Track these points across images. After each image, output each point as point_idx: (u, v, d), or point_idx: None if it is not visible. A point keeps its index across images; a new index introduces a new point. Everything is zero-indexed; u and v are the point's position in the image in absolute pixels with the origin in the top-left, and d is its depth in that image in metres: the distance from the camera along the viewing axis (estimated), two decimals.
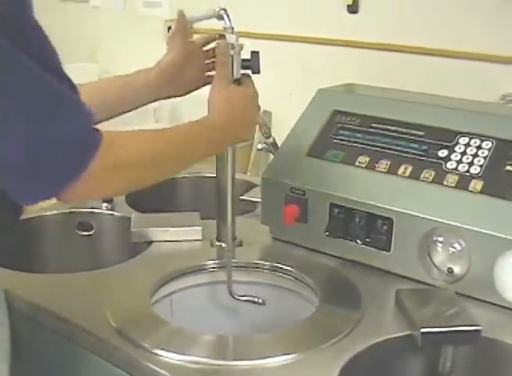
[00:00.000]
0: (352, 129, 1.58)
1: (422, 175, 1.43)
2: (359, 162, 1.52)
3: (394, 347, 1.24)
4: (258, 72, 1.42)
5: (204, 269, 1.52)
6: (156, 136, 1.19)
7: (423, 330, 1.18)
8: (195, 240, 1.64)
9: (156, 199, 2.00)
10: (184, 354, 1.17)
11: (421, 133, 1.50)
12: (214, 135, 1.28)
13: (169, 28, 1.51)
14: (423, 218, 1.37)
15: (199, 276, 1.51)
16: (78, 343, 1.29)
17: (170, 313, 1.45)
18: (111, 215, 1.82)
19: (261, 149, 1.79)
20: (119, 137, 1.10)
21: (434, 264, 1.39)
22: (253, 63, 1.41)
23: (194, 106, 2.97)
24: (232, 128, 1.31)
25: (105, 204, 1.83)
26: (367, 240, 1.47)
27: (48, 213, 1.81)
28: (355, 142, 1.56)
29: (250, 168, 2.67)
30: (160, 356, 1.18)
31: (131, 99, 1.48)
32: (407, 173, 1.46)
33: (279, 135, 1.75)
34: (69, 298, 1.37)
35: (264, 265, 1.52)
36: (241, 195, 1.85)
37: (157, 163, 1.17)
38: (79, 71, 2.88)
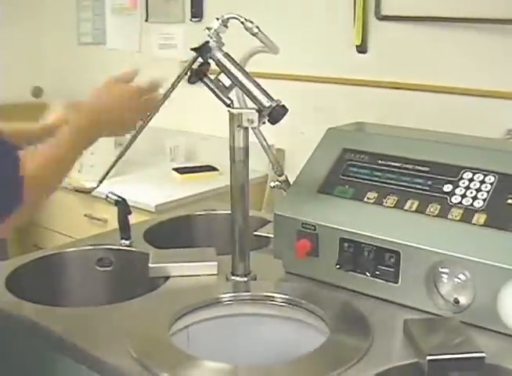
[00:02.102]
0: (361, 166, 1.65)
1: (428, 210, 1.50)
2: (368, 198, 1.59)
3: (402, 374, 1.29)
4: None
5: (220, 303, 1.57)
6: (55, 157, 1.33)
7: (429, 357, 1.23)
8: (211, 275, 1.70)
9: (173, 235, 2.07)
10: None
11: (426, 169, 1.56)
12: (82, 137, 1.40)
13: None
14: (429, 250, 1.43)
15: (215, 309, 1.57)
16: (100, 373, 1.35)
17: (187, 345, 1.51)
18: (129, 250, 1.88)
19: (274, 186, 1.86)
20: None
21: (441, 294, 1.45)
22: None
23: (210, 145, 3.07)
24: (101, 124, 1.45)
25: (123, 241, 1.90)
26: (376, 272, 1.53)
27: (69, 250, 1.89)
28: (364, 179, 1.63)
29: (265, 205, 2.74)
30: None
31: None
32: (413, 208, 1.52)
33: (292, 172, 1.82)
34: (90, 330, 1.44)
35: (277, 298, 1.57)
36: (255, 231, 1.92)
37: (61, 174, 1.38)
38: None
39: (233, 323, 1.58)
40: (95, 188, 1.81)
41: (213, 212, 2.17)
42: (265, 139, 1.79)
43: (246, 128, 1.58)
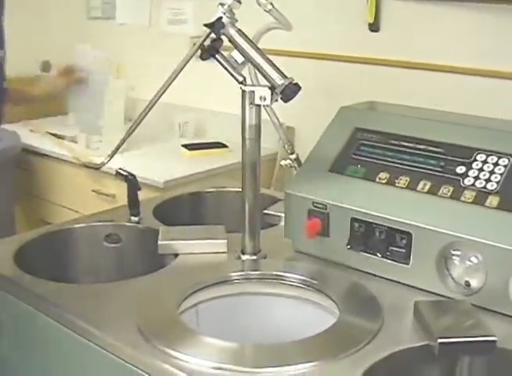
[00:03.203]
0: (373, 146, 1.64)
1: (440, 191, 1.48)
2: (380, 178, 1.57)
3: (412, 357, 1.28)
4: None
5: (229, 281, 1.57)
6: None
7: (440, 340, 1.22)
8: (220, 253, 1.70)
9: (182, 212, 2.06)
10: (208, 360, 1.23)
11: (440, 150, 1.55)
12: None
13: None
14: (441, 232, 1.42)
15: (224, 288, 1.56)
16: (108, 350, 1.34)
17: (196, 323, 1.51)
18: (138, 227, 1.88)
19: (285, 165, 1.85)
20: None
21: (452, 277, 1.44)
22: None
23: (220, 121, 3.05)
24: None
25: (132, 217, 1.89)
26: (387, 253, 1.52)
27: (77, 225, 1.88)
28: (376, 159, 1.61)
29: (274, 183, 2.72)
30: (185, 361, 1.23)
31: None
32: (426, 189, 1.50)
33: (301, 150, 1.80)
34: (98, 307, 1.43)
35: (287, 277, 1.56)
36: (265, 209, 1.91)
37: None
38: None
39: (242, 301, 1.57)
40: (104, 163, 1.80)
41: (223, 189, 2.16)
42: (276, 117, 1.78)
43: (258, 106, 1.56)
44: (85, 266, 1.89)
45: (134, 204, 1.90)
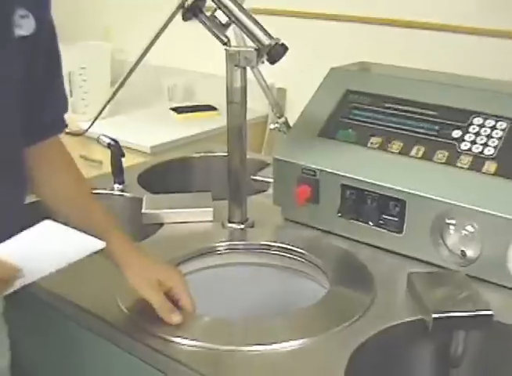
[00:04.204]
0: (365, 109, 1.56)
1: (435, 156, 1.41)
2: (371, 143, 1.50)
3: (405, 332, 1.23)
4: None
5: (215, 252, 1.51)
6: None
7: (434, 315, 1.16)
8: (206, 222, 1.63)
9: (168, 179, 1.99)
10: (194, 340, 1.17)
11: (434, 113, 1.47)
12: None
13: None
14: (436, 200, 1.35)
15: (210, 259, 1.50)
16: (87, 327, 1.29)
17: None
18: (122, 195, 1.81)
19: (274, 128, 1.78)
20: None
21: (447, 246, 1.38)
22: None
23: (209, 84, 2.96)
24: None
25: (116, 185, 1.83)
26: (379, 221, 1.45)
27: None
28: (368, 123, 1.54)
29: (265, 147, 2.65)
30: (170, 341, 1.17)
31: None
32: (420, 154, 1.43)
33: (294, 113, 1.72)
34: (79, 282, 1.37)
35: (274, 247, 1.50)
36: (254, 174, 1.84)
37: None
38: (93, 50, 2.86)
39: (229, 272, 1.52)
40: (85, 130, 1.73)
41: (210, 154, 2.09)
42: (263, 79, 1.70)
43: (243, 68, 1.48)
44: None
45: (117, 171, 1.83)
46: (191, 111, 2.79)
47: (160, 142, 2.49)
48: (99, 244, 1.05)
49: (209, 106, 2.86)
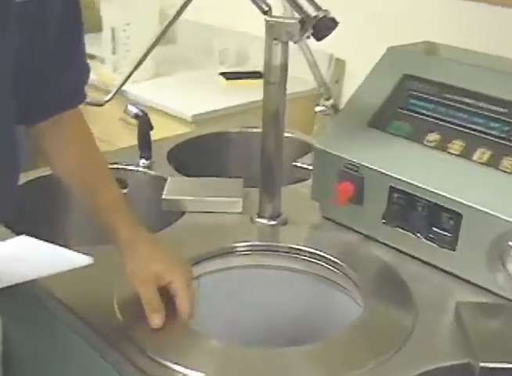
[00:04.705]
0: (424, 99, 1.34)
1: (502, 164, 1.19)
2: (428, 140, 1.28)
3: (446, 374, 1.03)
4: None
5: (238, 251, 1.32)
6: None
7: (482, 364, 0.96)
8: (234, 213, 1.45)
9: (201, 156, 1.81)
10: (193, 370, 0.99)
11: (506, 111, 1.24)
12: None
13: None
14: (498, 217, 1.13)
15: (230, 259, 1.32)
16: (76, 331, 1.12)
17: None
18: (146, 173, 1.63)
19: (319, 111, 1.57)
20: None
21: (507, 271, 1.16)
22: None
23: (263, 48, 2.74)
24: None
25: (142, 161, 1.65)
26: (429, 235, 1.24)
27: None
28: (426, 115, 1.32)
29: (316, 129, 2.42)
30: (165, 367, 1.00)
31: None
32: (484, 159, 1.21)
33: (351, 89, 1.49)
34: (78, 282, 1.18)
35: (306, 252, 1.31)
36: (296, 160, 1.65)
37: None
38: (139, 5, 2.65)
39: (251, 276, 1.33)
40: (107, 101, 1.56)
41: (251, 130, 1.88)
42: (311, 54, 1.48)
43: (285, 43, 1.28)
44: (83, 217, 1.65)
45: (144, 145, 1.65)
46: (241, 78, 2.58)
47: (203, 111, 2.29)
48: (81, 261, 0.93)
49: (261, 72, 2.64)
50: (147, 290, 1.07)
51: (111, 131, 2.54)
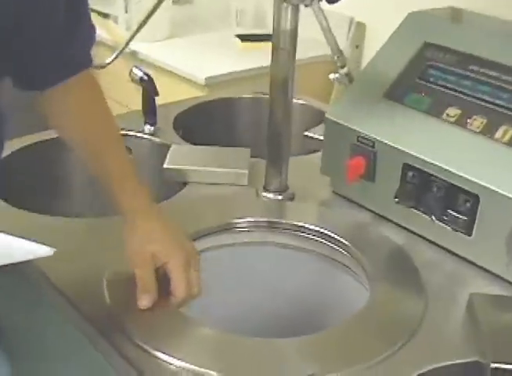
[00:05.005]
0: (445, 70, 1.24)
1: None
2: (448, 115, 1.19)
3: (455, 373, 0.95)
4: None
5: (238, 227, 1.24)
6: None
7: (493, 365, 0.88)
8: (239, 185, 1.37)
9: (209, 122, 1.73)
10: (181, 360, 0.91)
11: None
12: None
13: None
14: None
15: (231, 236, 1.24)
16: (61, 312, 1.05)
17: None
18: (151, 140, 1.56)
19: (334, 79, 1.47)
20: None
21: None
22: None
23: None
24: None
25: (147, 127, 1.57)
26: (444, 217, 1.15)
27: None
28: (446, 88, 1.22)
29: (333, 98, 2.31)
30: (153, 356, 0.93)
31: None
32: (506, 138, 1.11)
33: (371, 54, 1.39)
34: (68, 258, 1.11)
35: (312, 231, 1.23)
36: (306, 130, 1.56)
37: None
38: None
39: (251, 253, 1.26)
40: (108, 63, 1.48)
41: (262, 96, 1.79)
42: (325, 19, 1.38)
43: (296, 6, 1.18)
44: (82, 187, 1.57)
45: (149, 111, 1.57)
46: (258, 40, 2.47)
47: (217, 74, 2.19)
48: (42, 252, 0.89)
49: None
50: (143, 271, 1.00)
51: (122, 93, 2.46)
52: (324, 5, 1.26)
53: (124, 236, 1.04)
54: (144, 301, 0.99)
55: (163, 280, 1.01)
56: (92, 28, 1.06)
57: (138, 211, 1.06)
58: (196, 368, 0.90)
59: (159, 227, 1.06)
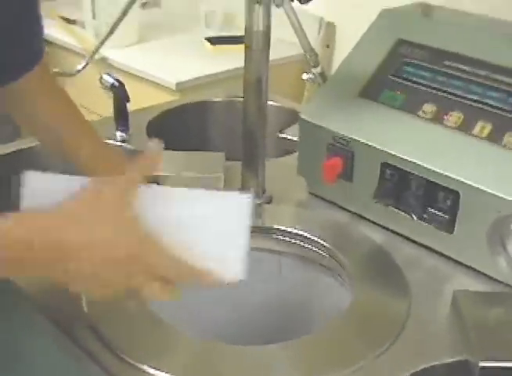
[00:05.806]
0: (420, 66, 1.23)
1: (504, 139, 1.08)
2: (424, 111, 1.18)
3: (443, 372, 0.93)
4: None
5: None
6: None
7: (482, 364, 0.87)
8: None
9: (183, 127, 1.71)
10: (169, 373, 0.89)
11: (510, 80, 1.14)
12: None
13: None
14: (501, 197, 1.03)
15: None
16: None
17: None
18: (123, 147, 1.53)
19: (307, 79, 1.46)
20: None
21: (508, 256, 1.07)
22: None
23: None
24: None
25: (119, 133, 1.54)
26: (424, 216, 1.14)
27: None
28: (421, 84, 1.21)
29: (306, 98, 2.30)
30: (138, 369, 0.90)
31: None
32: (485, 133, 1.11)
33: (342, 54, 1.38)
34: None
35: (291, 233, 1.21)
36: (281, 131, 1.54)
37: None
38: None
39: None
40: (79, 71, 1.45)
41: (236, 99, 1.77)
42: (297, 19, 1.36)
43: (267, 6, 1.16)
44: None
45: (121, 117, 1.55)
46: (227, 43, 2.45)
47: (188, 78, 2.17)
48: None
49: None
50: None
51: (92, 100, 2.42)
52: (294, 4, 1.25)
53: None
54: None
55: None
56: (41, 17, 1.03)
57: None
58: None
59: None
